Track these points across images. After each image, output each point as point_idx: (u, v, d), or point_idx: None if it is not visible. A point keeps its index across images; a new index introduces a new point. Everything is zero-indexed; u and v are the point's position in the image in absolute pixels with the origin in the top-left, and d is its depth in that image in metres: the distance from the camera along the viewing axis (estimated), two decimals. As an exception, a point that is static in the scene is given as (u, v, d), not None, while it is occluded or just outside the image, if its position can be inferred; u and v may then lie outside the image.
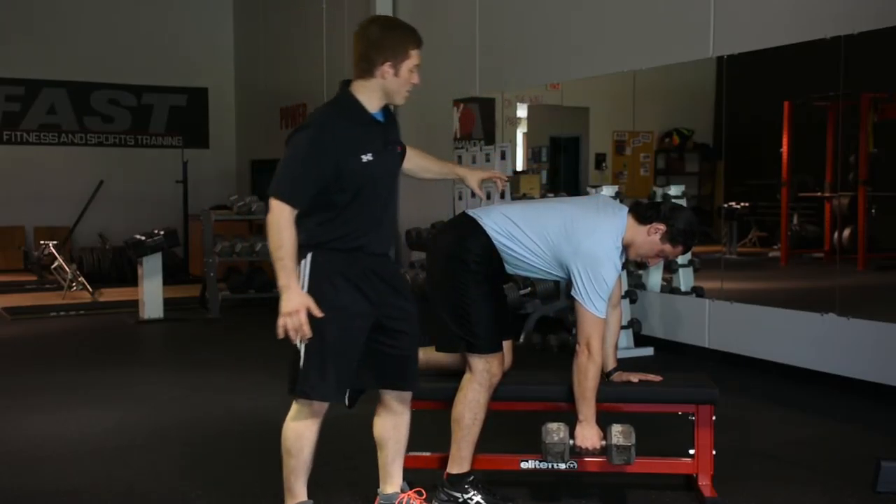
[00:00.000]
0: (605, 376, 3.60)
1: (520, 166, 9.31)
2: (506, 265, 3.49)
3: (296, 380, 3.02)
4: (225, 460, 4.26)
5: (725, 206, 8.13)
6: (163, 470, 4.14)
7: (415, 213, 9.23)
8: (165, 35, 14.53)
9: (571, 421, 3.42)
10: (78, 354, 7.25)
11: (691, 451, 3.60)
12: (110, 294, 10.54)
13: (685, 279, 7.00)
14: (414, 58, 3.03)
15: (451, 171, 3.66)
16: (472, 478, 3.47)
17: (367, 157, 2.98)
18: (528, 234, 3.42)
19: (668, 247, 3.45)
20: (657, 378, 3.63)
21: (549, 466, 3.54)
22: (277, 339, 2.92)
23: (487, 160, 8.96)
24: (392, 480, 3.31)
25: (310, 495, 3.16)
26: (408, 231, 9.38)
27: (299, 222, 2.95)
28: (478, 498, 3.44)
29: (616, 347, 3.71)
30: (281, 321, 2.89)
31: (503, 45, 8.88)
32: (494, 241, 3.43)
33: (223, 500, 3.73)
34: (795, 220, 7.90)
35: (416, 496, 3.31)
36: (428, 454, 3.70)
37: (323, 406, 3.07)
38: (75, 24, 14.04)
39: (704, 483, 3.58)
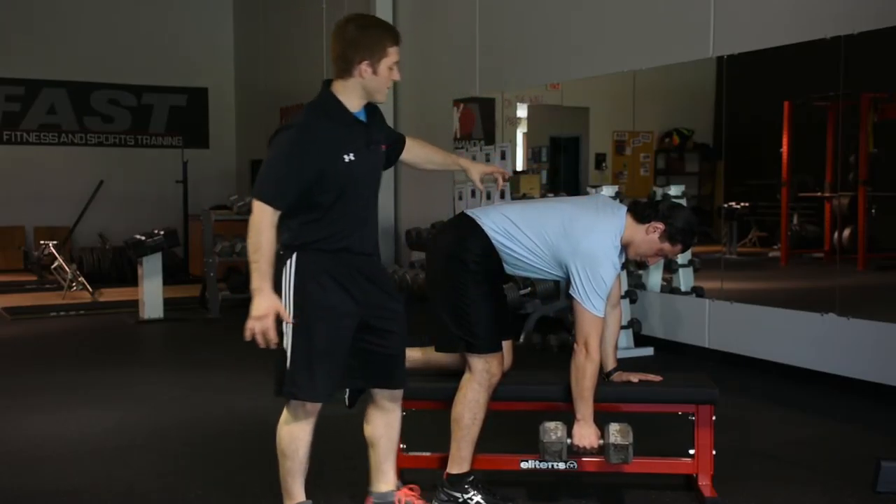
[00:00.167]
0: (605, 376, 3.60)
1: (520, 166, 9.31)
2: (505, 265, 3.49)
3: (282, 381, 3.02)
4: (225, 460, 4.26)
5: (725, 206, 8.13)
6: (163, 470, 4.14)
7: (415, 213, 9.23)
8: (165, 35, 14.53)
9: (570, 420, 3.42)
10: (78, 354, 7.25)
11: (691, 451, 3.60)
12: (110, 294, 10.55)
13: (685, 279, 6.99)
14: (392, 55, 3.00)
15: (454, 163, 3.64)
16: (472, 478, 3.47)
17: (349, 158, 2.97)
18: (527, 233, 3.42)
19: (666, 245, 3.44)
20: (657, 378, 3.62)
21: (549, 466, 3.54)
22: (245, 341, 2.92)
23: (487, 160, 8.95)
24: (386, 478, 3.30)
25: (308, 495, 3.17)
26: (408, 231, 9.37)
27: (283, 222, 2.95)
28: (478, 498, 3.43)
29: (616, 347, 3.70)
30: (249, 324, 2.90)
31: (503, 45, 8.88)
32: (493, 241, 3.43)
33: (223, 500, 3.73)
34: (795, 220, 7.91)
35: (410, 492, 3.31)
36: (428, 454, 3.69)
37: (316, 406, 3.06)
38: (75, 24, 14.04)
39: (704, 483, 3.58)
